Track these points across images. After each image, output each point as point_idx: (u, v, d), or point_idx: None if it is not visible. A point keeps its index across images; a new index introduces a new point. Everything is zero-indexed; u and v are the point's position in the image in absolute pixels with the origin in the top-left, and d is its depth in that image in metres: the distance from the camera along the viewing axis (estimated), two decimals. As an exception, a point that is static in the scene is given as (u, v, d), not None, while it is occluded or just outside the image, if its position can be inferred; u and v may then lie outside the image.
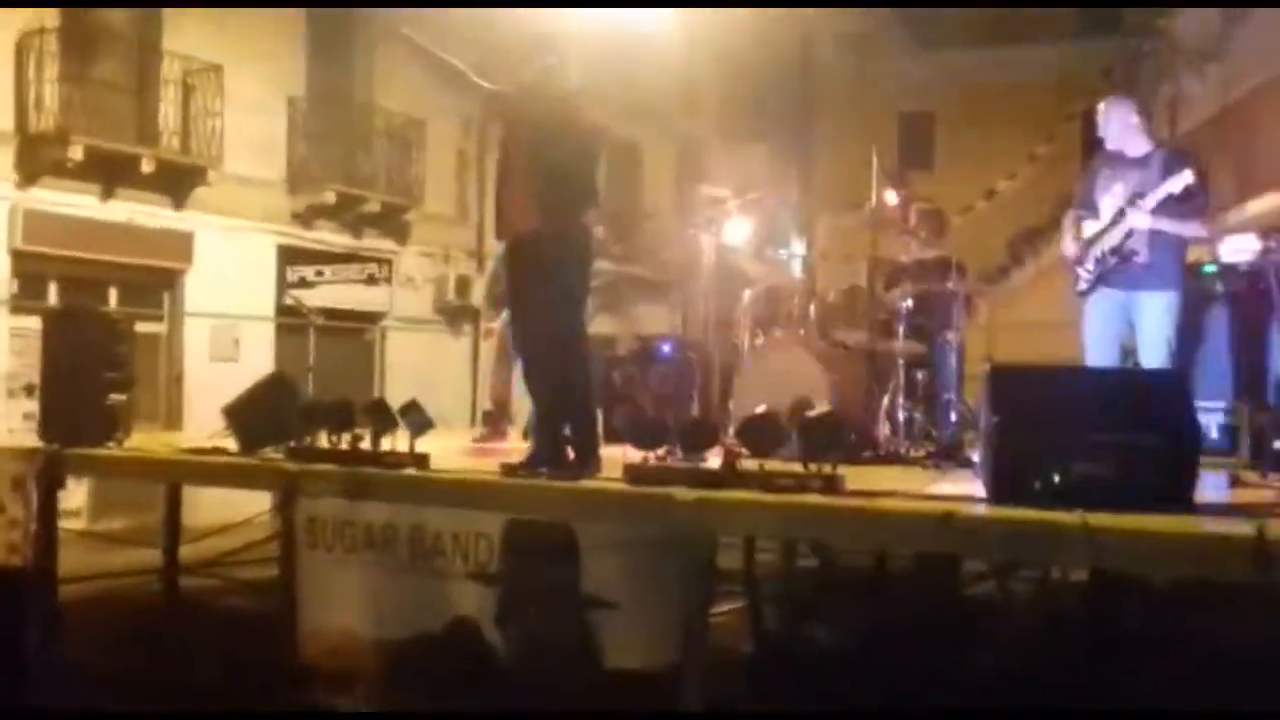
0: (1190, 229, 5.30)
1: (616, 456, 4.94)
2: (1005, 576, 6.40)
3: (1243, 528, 3.10)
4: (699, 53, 15.97)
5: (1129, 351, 5.46)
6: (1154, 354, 5.20)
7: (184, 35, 12.73)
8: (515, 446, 6.57)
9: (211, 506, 7.29)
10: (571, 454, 4.60)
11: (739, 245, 11.91)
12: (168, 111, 12.63)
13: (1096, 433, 3.76)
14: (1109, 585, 5.17)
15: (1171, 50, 17.27)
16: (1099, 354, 5.42)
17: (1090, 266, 5.45)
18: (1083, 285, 5.51)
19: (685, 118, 20.09)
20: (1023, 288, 18.24)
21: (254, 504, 6.79)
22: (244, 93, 13.10)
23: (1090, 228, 5.49)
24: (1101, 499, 3.57)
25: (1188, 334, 5.86)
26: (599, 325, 17.46)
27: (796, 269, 7.97)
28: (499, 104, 5.28)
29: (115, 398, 5.82)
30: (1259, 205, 11.70)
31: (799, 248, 8.17)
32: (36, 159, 11.60)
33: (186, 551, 6.69)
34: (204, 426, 6.50)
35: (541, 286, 4.67)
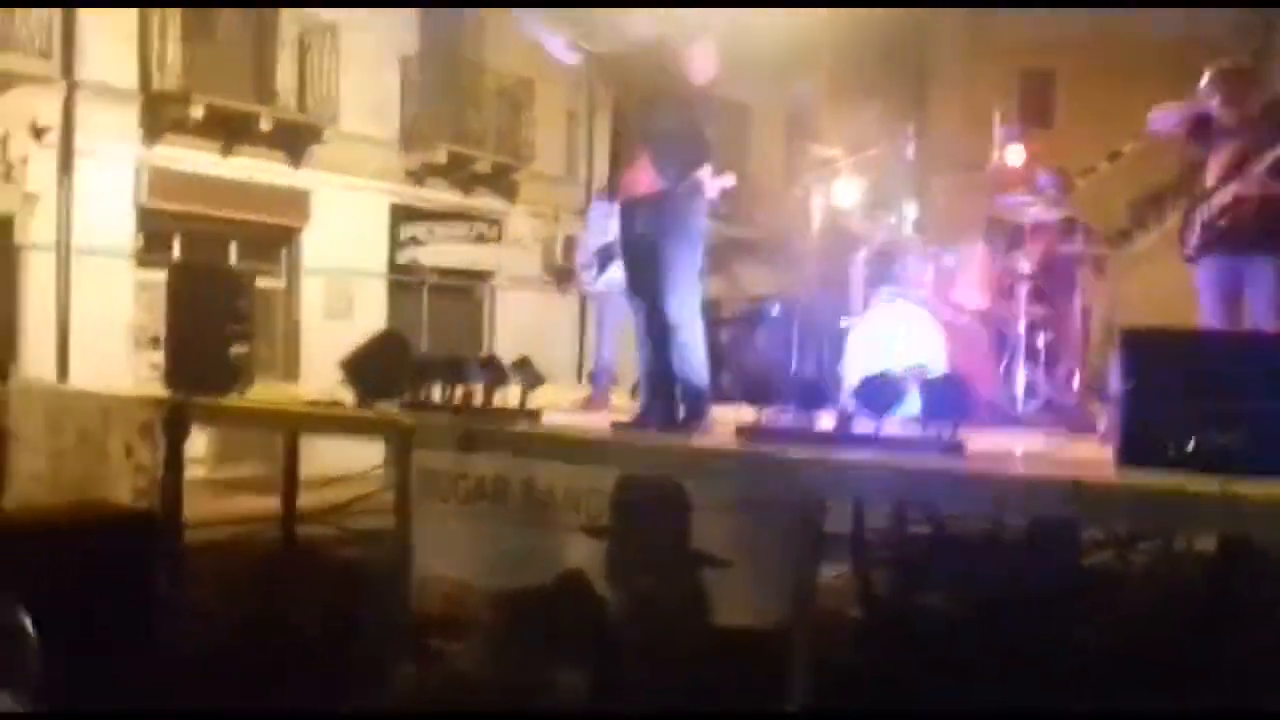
0: None
1: (728, 416, 4.92)
2: (1126, 546, 6.21)
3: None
4: (809, 10, 15.65)
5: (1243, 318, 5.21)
6: (1266, 318, 4.98)
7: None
8: (622, 406, 6.58)
9: (328, 458, 7.45)
10: (682, 412, 4.58)
11: (849, 206, 11.72)
12: (285, 70, 12.85)
13: (1233, 399, 3.61)
14: (1236, 556, 4.99)
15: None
16: (1215, 319, 5.21)
17: (1198, 229, 5.23)
18: (1189, 250, 5.31)
19: (795, 76, 19.76)
20: (1145, 253, 17.59)
21: (369, 457, 6.94)
22: (359, 52, 13.27)
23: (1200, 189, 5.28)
24: (1236, 466, 3.43)
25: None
26: (705, 287, 17.49)
27: (908, 230, 7.77)
28: (606, 67, 5.27)
29: (237, 350, 5.97)
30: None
31: (912, 208, 7.95)
32: (159, 117, 11.93)
33: (304, 500, 6.85)
34: (319, 380, 6.64)
35: (659, 247, 4.68)
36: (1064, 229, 7.10)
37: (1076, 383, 6.75)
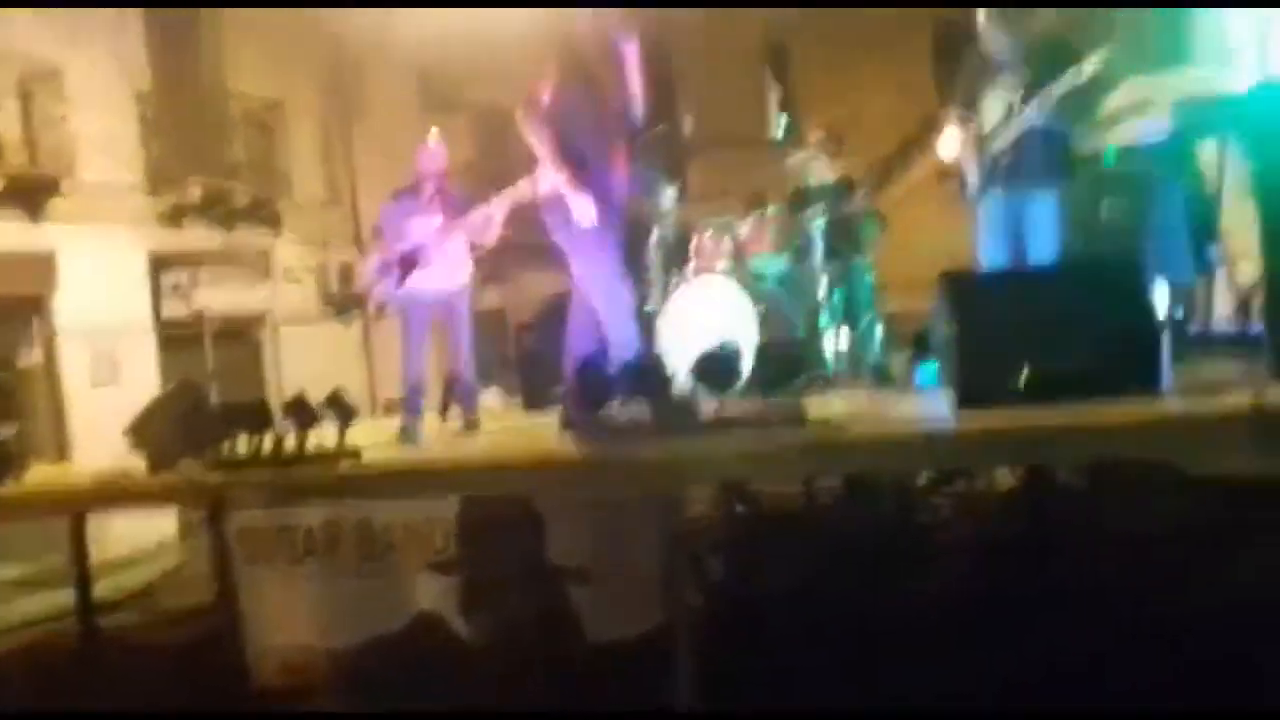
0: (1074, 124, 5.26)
1: (553, 421, 4.74)
2: (929, 493, 6.28)
3: (1235, 401, 3.03)
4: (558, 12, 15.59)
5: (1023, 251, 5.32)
6: (1045, 247, 5.11)
7: (15, 38, 11.85)
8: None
9: (111, 541, 6.83)
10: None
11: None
12: (9, 123, 11.78)
13: (1062, 328, 3.71)
14: (1039, 485, 5.11)
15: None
16: (996, 254, 5.25)
17: (974, 169, 5.30)
18: (970, 191, 5.35)
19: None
20: (892, 210, 18.37)
21: (158, 531, 6.38)
22: (88, 93, 12.29)
23: (972, 129, 5.35)
24: (1074, 392, 3.51)
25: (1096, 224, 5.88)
26: (489, 298, 17.19)
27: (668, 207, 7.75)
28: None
29: (2, 433, 5.38)
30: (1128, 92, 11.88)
31: (670, 189, 7.94)
32: None
33: (100, 589, 6.23)
34: (93, 455, 6.05)
35: None
36: (841, 189, 7.25)
37: (879, 335, 6.90)
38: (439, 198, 6.23)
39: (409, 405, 6.06)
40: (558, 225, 5.17)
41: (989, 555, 5.23)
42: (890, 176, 19.76)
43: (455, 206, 6.19)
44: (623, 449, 3.89)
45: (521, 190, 6.19)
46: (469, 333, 6.33)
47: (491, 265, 16.28)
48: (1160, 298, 5.54)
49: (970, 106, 5.41)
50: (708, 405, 4.10)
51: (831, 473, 4.83)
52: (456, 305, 6.28)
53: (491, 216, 6.11)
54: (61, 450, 11.59)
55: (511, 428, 6.37)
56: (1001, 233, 5.29)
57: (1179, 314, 5.81)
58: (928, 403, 4.22)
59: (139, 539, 6.61)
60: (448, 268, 6.19)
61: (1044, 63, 5.13)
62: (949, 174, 5.58)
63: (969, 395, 3.72)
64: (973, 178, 5.35)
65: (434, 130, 6.60)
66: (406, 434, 5.85)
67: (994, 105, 5.29)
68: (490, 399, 8.93)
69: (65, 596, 6.23)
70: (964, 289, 3.89)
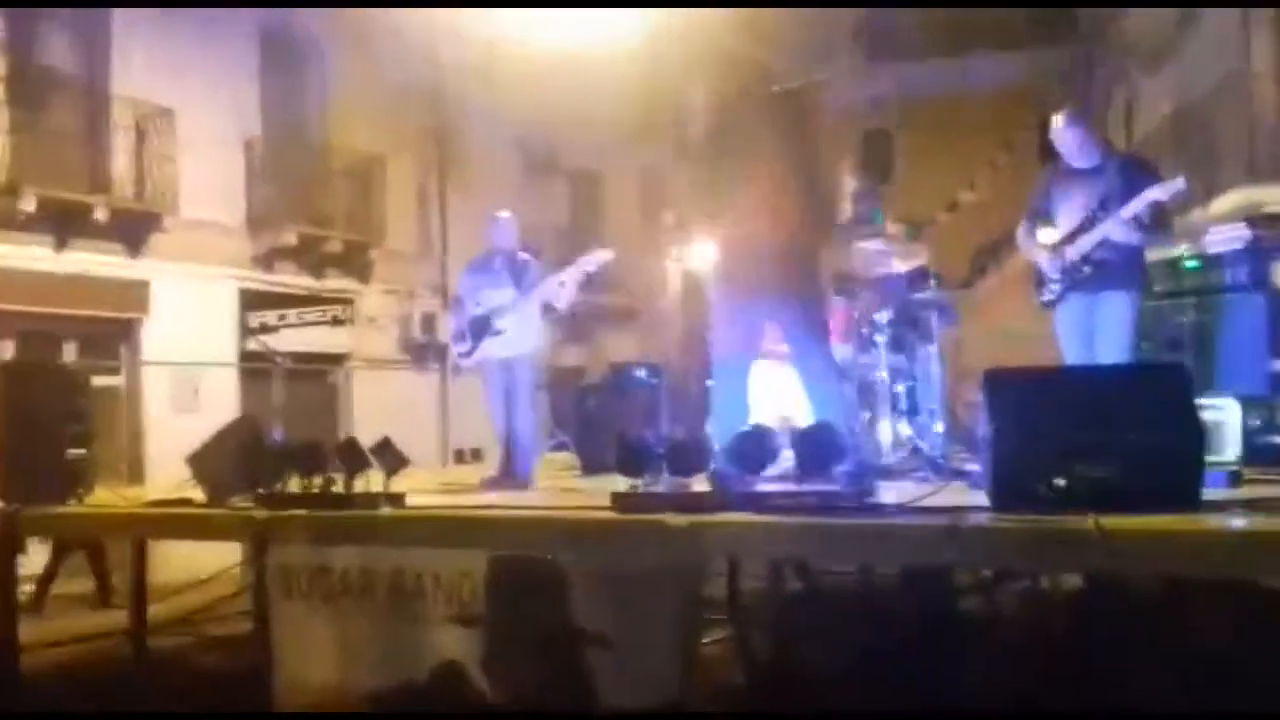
0: (1157, 238, 5.35)
1: (602, 486, 4.79)
2: (994, 589, 6.26)
3: (1258, 524, 2.97)
4: (657, 78, 15.91)
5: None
6: (1113, 350, 5.20)
7: (134, 78, 12.50)
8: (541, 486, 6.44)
9: (180, 563, 7.03)
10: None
11: (705, 268, 11.77)
12: (120, 157, 12.38)
13: (1099, 433, 3.65)
14: (1103, 591, 5.05)
15: (1125, 53, 17.44)
16: (1078, 358, 5.37)
17: (1057, 276, 5.41)
18: (1049, 295, 5.49)
19: (645, 143, 20.04)
20: (986, 299, 18.24)
21: (225, 557, 6.56)
22: (198, 135, 12.87)
23: (1050, 235, 5.47)
24: (1108, 502, 3.45)
25: (1171, 331, 5.82)
26: (569, 357, 17.44)
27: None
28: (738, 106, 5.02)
29: (75, 453, 5.60)
30: (1224, 202, 11.73)
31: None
32: (-13, 212, 11.33)
33: (156, 610, 6.42)
34: (167, 480, 6.27)
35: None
36: (915, 278, 7.23)
37: (940, 429, 6.82)
38: (508, 269, 6.58)
39: (511, 456, 6.49)
40: None
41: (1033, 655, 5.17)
42: (985, 267, 19.72)
43: (523, 276, 6.53)
44: (652, 515, 3.92)
45: (596, 258, 6.44)
46: (527, 396, 6.58)
47: (575, 326, 16.63)
48: (1231, 410, 5.48)
49: (1049, 211, 5.50)
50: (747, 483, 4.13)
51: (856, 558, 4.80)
52: (516, 369, 6.55)
53: (565, 283, 6.46)
54: (135, 473, 11.99)
55: (560, 488, 6.43)
56: (1077, 336, 5.40)
57: (1254, 427, 5.68)
58: (972, 499, 4.17)
59: (204, 565, 6.79)
60: (515, 334, 6.49)
61: (1123, 175, 5.27)
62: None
63: (1001, 497, 3.69)
64: (1050, 280, 5.41)
65: (504, 212, 6.94)
66: (497, 483, 6.26)
67: (1072, 212, 5.36)
68: (561, 457, 9.06)
69: (121, 615, 6.45)
70: (1005, 387, 3.86)
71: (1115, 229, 5.20)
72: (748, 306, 4.95)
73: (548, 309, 6.68)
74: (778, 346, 6.88)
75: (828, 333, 5.38)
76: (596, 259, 6.52)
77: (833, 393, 4.87)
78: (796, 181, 4.81)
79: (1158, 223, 5.27)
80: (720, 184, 4.90)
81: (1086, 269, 5.32)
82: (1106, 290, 5.29)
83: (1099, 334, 5.29)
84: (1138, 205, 5.13)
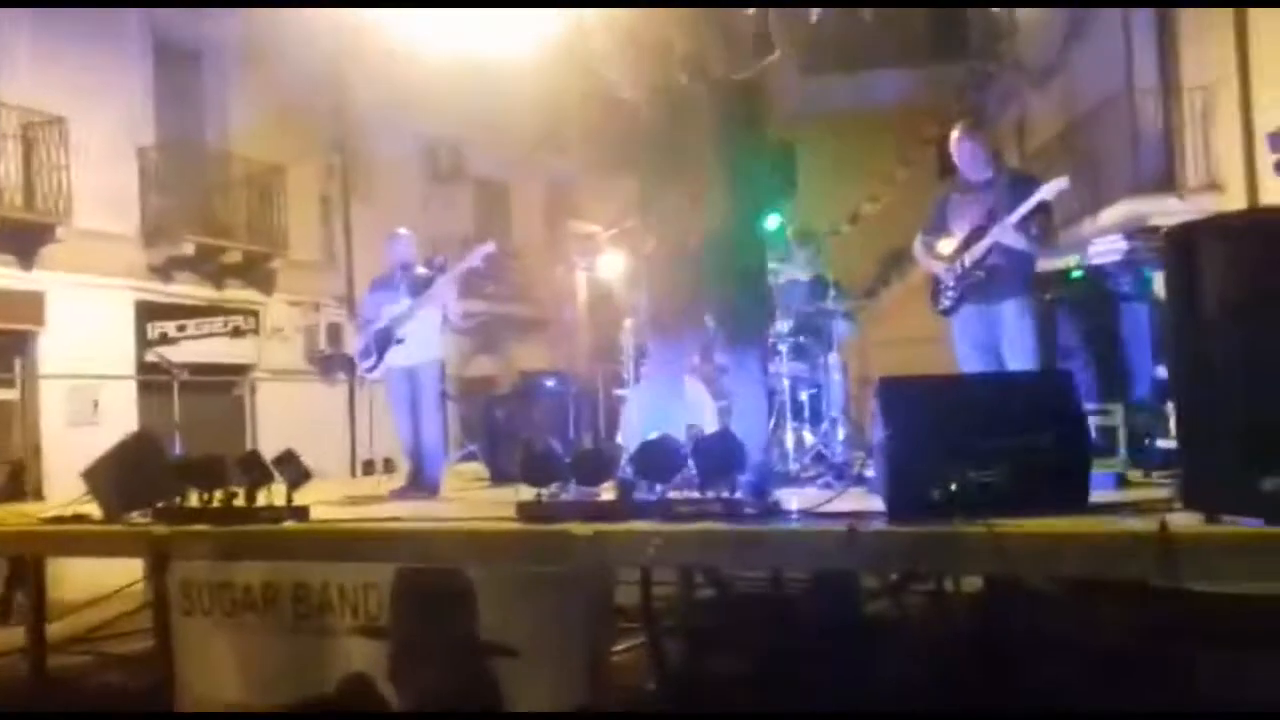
0: (1044, 246, 5.55)
1: (510, 496, 4.81)
2: (899, 592, 6.42)
3: (1145, 525, 3.12)
4: (562, 87, 15.95)
5: (1001, 361, 5.58)
6: (1021, 358, 5.33)
7: (21, 85, 12.14)
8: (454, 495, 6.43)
9: (79, 580, 6.87)
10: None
11: (611, 277, 11.85)
12: (9, 167, 12.01)
13: (989, 439, 3.78)
14: (1003, 593, 5.22)
15: (1016, 70, 17.99)
16: (974, 366, 5.53)
17: (951, 284, 5.59)
18: (946, 303, 5.67)
19: (551, 154, 20.06)
20: (890, 307, 18.66)
21: (126, 574, 6.43)
22: (91, 143, 12.53)
23: (947, 246, 5.67)
24: (999, 505, 3.58)
25: (1055, 337, 6.04)
26: (478, 367, 17.35)
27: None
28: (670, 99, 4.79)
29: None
30: (1110, 214, 12.19)
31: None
32: None
33: (55, 628, 6.25)
34: (65, 496, 6.11)
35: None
36: (815, 287, 7.38)
37: (842, 435, 6.98)
38: (406, 283, 6.71)
39: (417, 465, 6.60)
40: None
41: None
42: (888, 277, 20.11)
43: (420, 288, 6.63)
44: (556, 525, 3.97)
45: (478, 253, 6.60)
46: (432, 403, 6.68)
47: (484, 336, 16.54)
48: (1117, 415, 5.71)
49: (945, 224, 5.68)
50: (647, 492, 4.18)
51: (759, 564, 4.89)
52: (421, 376, 6.66)
53: (447, 292, 6.65)
54: (32, 490, 11.63)
55: (468, 498, 6.43)
56: (971, 344, 5.57)
57: (1140, 431, 5.91)
58: (871, 504, 4.28)
59: (103, 582, 6.64)
60: (415, 342, 6.60)
61: (1012, 188, 5.48)
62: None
63: (895, 502, 3.79)
64: (945, 289, 5.59)
65: (401, 229, 7.09)
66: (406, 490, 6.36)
67: (965, 223, 5.56)
68: (471, 467, 9.04)
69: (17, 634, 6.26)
70: (898, 394, 3.98)
71: (1005, 234, 5.38)
72: (691, 310, 4.80)
73: (446, 318, 6.80)
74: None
75: (765, 339, 5.36)
76: (479, 253, 6.68)
77: (761, 402, 4.82)
78: (749, 178, 4.69)
79: (1044, 230, 5.47)
80: (668, 180, 4.74)
81: (979, 274, 5.49)
82: (1002, 300, 5.45)
83: (1005, 345, 5.44)
84: (1025, 208, 5.33)
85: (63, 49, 12.41)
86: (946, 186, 6.00)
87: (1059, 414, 3.94)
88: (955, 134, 5.77)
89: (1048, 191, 5.34)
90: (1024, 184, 5.52)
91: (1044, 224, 5.45)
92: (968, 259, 5.53)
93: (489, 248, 6.73)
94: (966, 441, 3.79)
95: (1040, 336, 5.55)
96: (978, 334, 5.55)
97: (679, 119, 4.65)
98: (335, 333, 15.41)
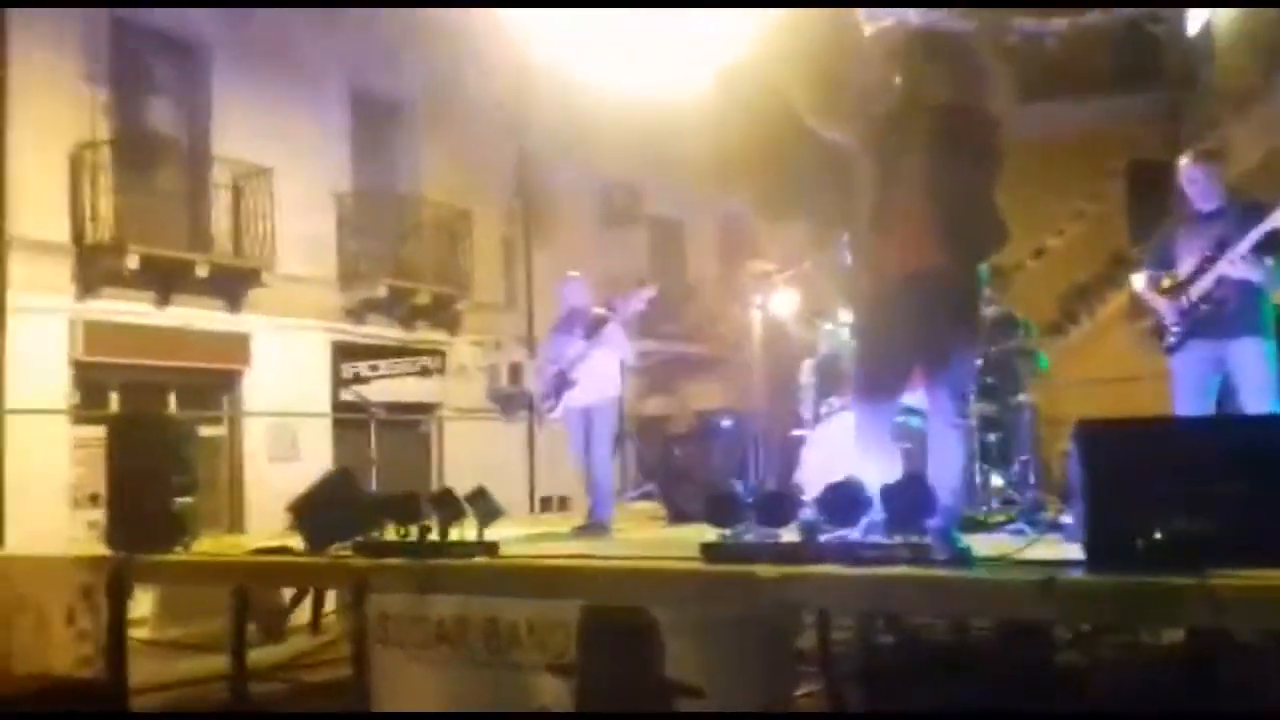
0: (1274, 277, 5.22)
1: (688, 536, 4.84)
2: (1092, 643, 6.14)
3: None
4: (735, 126, 16.04)
5: (1223, 404, 5.29)
6: (1254, 402, 5.02)
7: (233, 139, 13.01)
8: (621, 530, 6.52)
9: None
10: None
11: (788, 317, 11.78)
12: (220, 216, 12.85)
13: (1198, 486, 3.59)
14: (1207, 645, 4.94)
15: (1213, 98, 17.18)
16: (1194, 408, 5.24)
17: (1176, 319, 5.33)
18: (1171, 340, 5.37)
19: (725, 195, 20.18)
20: (1078, 344, 17.98)
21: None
22: (293, 192, 13.31)
23: (1172, 280, 5.40)
24: (1207, 556, 3.40)
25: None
26: (654, 406, 17.51)
27: (846, 335, 7.83)
28: (887, 117, 4.50)
29: (181, 502, 5.78)
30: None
31: (847, 315, 8.00)
32: (93, 270, 11.81)
33: (255, 656, 6.57)
34: (266, 528, 6.45)
35: (950, 330, 4.33)
36: (1003, 324, 7.18)
37: (1033, 479, 6.74)
38: (581, 324, 6.93)
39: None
40: None
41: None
42: (1076, 314, 19.39)
43: (593, 330, 6.84)
44: (742, 566, 3.96)
45: (642, 294, 6.80)
46: (605, 443, 6.84)
47: (660, 375, 16.68)
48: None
49: (1171, 258, 5.44)
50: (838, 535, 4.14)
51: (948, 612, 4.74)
52: (594, 416, 6.83)
53: (619, 333, 6.87)
54: (236, 521, 12.31)
55: (647, 538, 6.49)
56: (1193, 384, 5.29)
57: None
58: (1066, 552, 4.13)
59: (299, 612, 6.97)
60: (589, 382, 6.80)
61: (1244, 218, 5.18)
62: (1139, 314, 5.60)
63: (1097, 552, 3.64)
64: (1173, 327, 5.36)
65: (573, 272, 7.37)
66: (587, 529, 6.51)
67: (1193, 256, 5.31)
68: (648, 506, 9.13)
69: (219, 661, 6.60)
70: (1099, 438, 3.82)
71: (1234, 265, 5.11)
72: (905, 353, 4.43)
73: (622, 360, 7.00)
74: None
75: (969, 382, 5.01)
76: (643, 295, 6.85)
77: (959, 447, 4.49)
78: (966, 205, 4.33)
79: (1277, 260, 5.15)
80: (885, 208, 4.40)
81: (1204, 308, 5.22)
82: (1233, 337, 5.17)
83: (1240, 387, 5.16)
84: (1255, 236, 5.05)
85: (269, 103, 13.26)
86: (1173, 220, 5.69)
87: (1275, 460, 3.71)
88: (1184, 161, 5.49)
89: (1278, 218, 5.02)
90: (1258, 212, 5.16)
91: (1278, 255, 5.14)
92: (1194, 292, 5.25)
93: (650, 291, 6.88)
94: (1173, 488, 3.61)
95: (1272, 377, 5.23)
96: (1203, 373, 5.26)
97: (896, 149, 4.38)
98: (516, 372, 15.81)
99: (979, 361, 6.68)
